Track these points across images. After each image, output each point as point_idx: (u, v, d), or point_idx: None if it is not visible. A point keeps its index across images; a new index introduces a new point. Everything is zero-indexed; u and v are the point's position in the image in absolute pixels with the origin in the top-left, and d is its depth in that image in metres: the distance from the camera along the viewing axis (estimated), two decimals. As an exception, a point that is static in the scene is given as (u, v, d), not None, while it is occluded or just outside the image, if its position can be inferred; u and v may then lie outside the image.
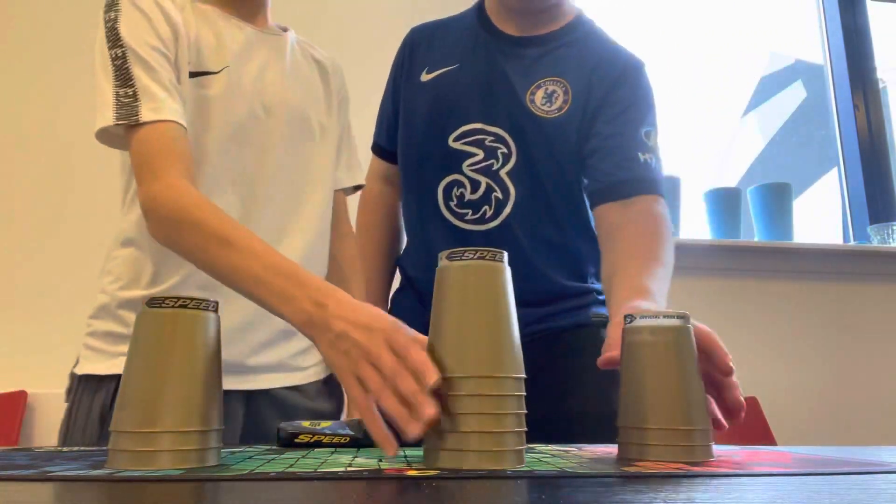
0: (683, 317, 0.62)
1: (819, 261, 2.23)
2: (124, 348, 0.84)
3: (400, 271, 1.25)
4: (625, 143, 1.06)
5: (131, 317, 0.89)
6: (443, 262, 0.57)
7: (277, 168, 0.96)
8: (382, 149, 1.25)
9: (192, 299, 0.56)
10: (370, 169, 1.27)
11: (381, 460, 0.58)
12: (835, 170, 2.59)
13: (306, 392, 0.99)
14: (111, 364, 0.89)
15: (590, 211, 1.12)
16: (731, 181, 2.86)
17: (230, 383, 0.89)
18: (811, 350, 2.18)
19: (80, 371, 0.92)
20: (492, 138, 1.11)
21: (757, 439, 1.92)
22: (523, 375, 0.55)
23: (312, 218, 1.00)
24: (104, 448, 0.76)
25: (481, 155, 1.11)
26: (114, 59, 0.85)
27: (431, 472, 0.50)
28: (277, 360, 0.95)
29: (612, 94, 1.10)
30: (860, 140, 2.51)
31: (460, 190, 1.11)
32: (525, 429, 0.55)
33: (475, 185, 1.11)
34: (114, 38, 0.86)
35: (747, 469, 0.53)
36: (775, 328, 2.18)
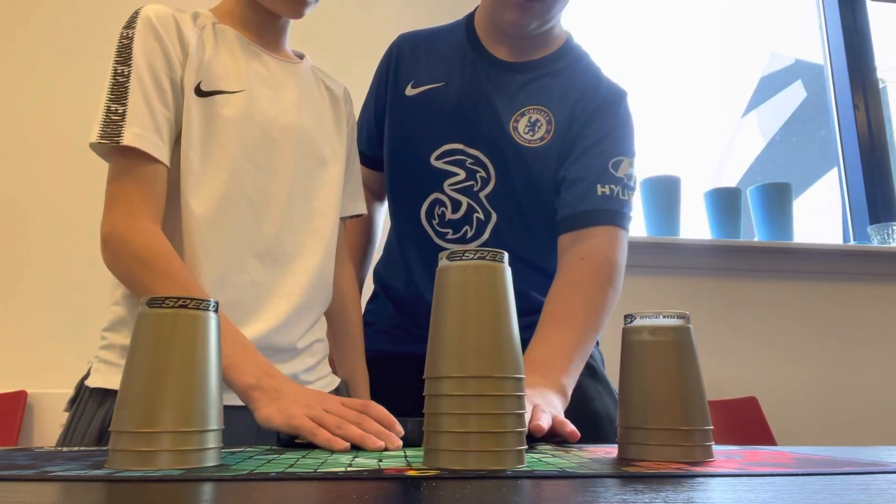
0: (684, 316, 0.62)
1: (819, 261, 2.23)
2: None
3: (375, 281, 1.27)
4: (587, 175, 1.08)
5: None
6: (443, 262, 0.57)
7: (290, 191, 0.97)
8: (363, 154, 1.25)
9: (192, 299, 0.56)
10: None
11: (381, 460, 0.59)
12: (835, 170, 2.59)
13: None
14: (115, 379, 0.88)
15: None
16: (731, 181, 2.86)
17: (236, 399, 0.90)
18: (811, 350, 2.18)
19: (91, 383, 0.90)
20: (471, 160, 1.12)
21: (757, 439, 1.92)
22: (523, 375, 0.55)
23: (323, 241, 1.01)
24: (104, 448, 0.77)
25: (462, 175, 1.12)
26: (119, 74, 0.87)
27: (431, 472, 0.50)
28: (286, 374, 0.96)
29: (589, 125, 1.11)
30: (860, 140, 2.51)
31: (441, 209, 1.13)
32: (525, 428, 0.55)
33: (456, 204, 1.12)
34: (125, 56, 0.88)
35: (747, 469, 0.54)
36: (775, 328, 2.18)
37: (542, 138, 1.11)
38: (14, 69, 1.92)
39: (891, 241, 2.28)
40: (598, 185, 1.07)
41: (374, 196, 1.29)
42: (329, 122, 1.06)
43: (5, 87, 1.91)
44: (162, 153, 0.87)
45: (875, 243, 2.30)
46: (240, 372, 0.77)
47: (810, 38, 2.75)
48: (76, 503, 0.40)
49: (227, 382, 0.75)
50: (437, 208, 1.13)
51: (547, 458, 0.60)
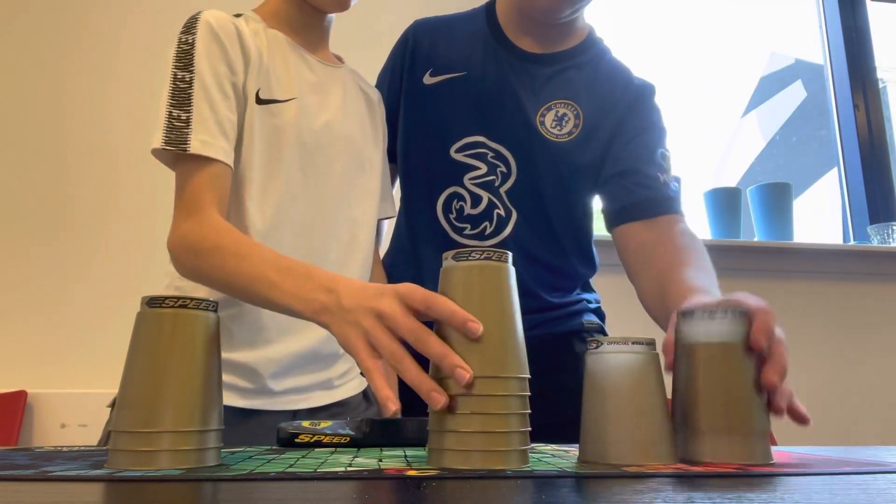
0: (651, 342, 0.61)
1: (819, 261, 2.23)
2: None
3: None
4: (644, 165, 1.06)
5: None
6: (448, 262, 0.57)
7: (339, 199, 0.97)
8: None
9: (192, 299, 0.56)
10: None
11: (381, 460, 0.58)
12: (835, 170, 2.59)
13: (347, 405, 1.00)
14: None
15: (604, 232, 1.10)
16: (731, 181, 2.86)
17: (278, 404, 0.91)
18: (811, 350, 2.18)
19: None
20: (493, 154, 1.09)
21: (757, 439, 1.92)
22: (528, 375, 0.55)
23: (363, 251, 1.01)
24: (104, 448, 0.76)
25: (484, 169, 1.09)
26: (180, 80, 0.86)
27: (431, 472, 0.50)
28: (319, 381, 0.96)
29: (627, 120, 1.09)
30: (860, 140, 2.51)
31: (460, 203, 1.10)
32: (529, 428, 0.55)
33: (476, 199, 1.09)
34: (186, 62, 0.86)
35: (747, 469, 0.53)
36: (775, 328, 2.17)
37: (570, 133, 1.08)
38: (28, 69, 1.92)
39: (891, 241, 2.28)
40: (660, 174, 1.05)
41: None
42: (367, 127, 1.06)
43: (5, 88, 1.91)
44: (229, 157, 0.86)
45: (875, 243, 2.30)
46: (299, 298, 0.68)
47: (810, 38, 2.76)
48: (76, 503, 0.40)
49: (287, 311, 0.69)
50: (455, 202, 1.10)
51: (547, 458, 0.60)
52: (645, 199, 1.04)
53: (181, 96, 0.85)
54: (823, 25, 2.67)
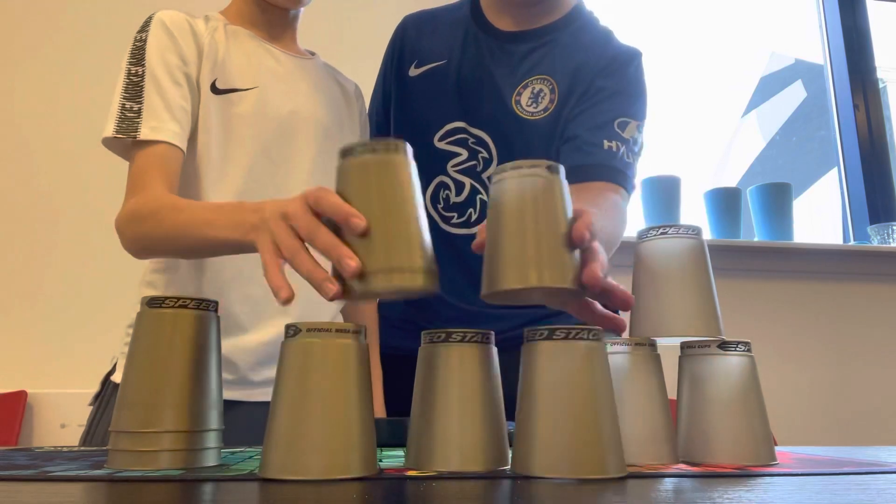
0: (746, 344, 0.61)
1: (819, 261, 2.23)
2: None
3: None
4: (590, 130, 0.99)
5: None
6: (339, 160, 0.56)
7: (314, 185, 0.97)
8: None
9: (192, 299, 0.56)
10: None
11: (380, 460, 0.58)
12: (835, 170, 2.59)
13: None
14: None
15: None
16: (731, 181, 2.86)
17: (244, 395, 0.92)
18: (811, 350, 2.18)
19: (116, 379, 0.92)
20: (474, 140, 1.08)
21: (757, 439, 1.92)
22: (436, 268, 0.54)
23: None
24: (104, 448, 0.76)
25: (465, 155, 1.08)
26: (133, 75, 0.90)
27: (431, 472, 0.50)
28: None
29: (593, 85, 1.03)
30: (860, 140, 2.51)
31: (446, 192, 1.09)
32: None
33: (459, 186, 1.08)
34: (138, 57, 0.90)
35: (747, 469, 0.53)
36: (775, 328, 2.18)
37: (545, 109, 1.05)
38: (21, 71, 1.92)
39: (891, 241, 2.28)
40: (605, 140, 0.98)
41: None
42: (344, 118, 1.07)
43: (6, 87, 1.91)
44: (178, 139, 0.88)
45: (875, 243, 2.30)
46: (232, 225, 0.69)
47: (810, 38, 2.76)
48: (76, 503, 0.40)
49: (225, 245, 0.70)
50: (441, 192, 1.09)
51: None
52: (579, 164, 0.96)
53: (133, 90, 0.89)
54: (823, 25, 2.67)
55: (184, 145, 0.89)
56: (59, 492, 0.44)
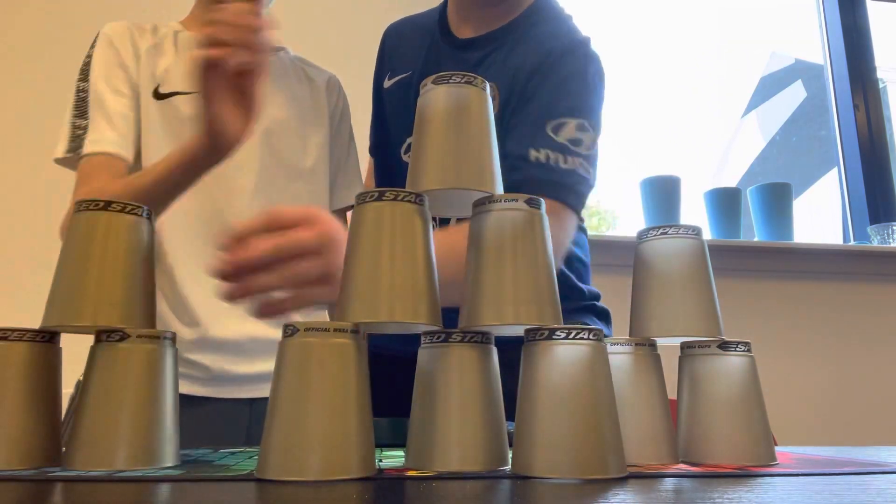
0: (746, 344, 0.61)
1: (819, 261, 2.23)
2: None
3: None
4: (518, 142, 0.90)
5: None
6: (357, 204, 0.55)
7: (257, 184, 0.98)
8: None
9: (148, 334, 0.55)
10: (367, 170, 1.24)
11: (381, 460, 0.58)
12: (835, 170, 2.59)
13: None
14: None
15: (600, 231, 1.07)
16: (731, 181, 2.86)
17: (233, 392, 0.92)
18: (811, 350, 2.18)
19: None
20: None
21: (757, 439, 1.92)
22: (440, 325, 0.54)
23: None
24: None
25: None
26: (81, 91, 0.94)
27: (431, 472, 0.50)
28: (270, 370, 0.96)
29: (528, 86, 0.94)
30: (860, 140, 2.51)
31: None
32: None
33: None
34: (85, 73, 0.95)
35: (747, 469, 0.54)
36: (775, 328, 2.18)
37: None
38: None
39: (891, 241, 2.28)
40: (531, 150, 0.88)
41: None
42: (308, 110, 1.06)
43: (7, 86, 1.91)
44: (119, 147, 0.91)
45: (875, 243, 2.30)
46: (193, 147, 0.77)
47: (810, 38, 2.76)
48: (76, 503, 0.40)
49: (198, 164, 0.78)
50: None
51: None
52: (513, 182, 0.87)
53: (81, 106, 0.93)
54: (823, 25, 2.67)
55: (126, 152, 0.92)
56: (59, 492, 0.44)
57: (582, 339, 0.50)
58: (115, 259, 0.55)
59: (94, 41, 0.97)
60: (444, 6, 1.13)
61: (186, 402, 0.88)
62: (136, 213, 0.57)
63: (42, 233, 1.83)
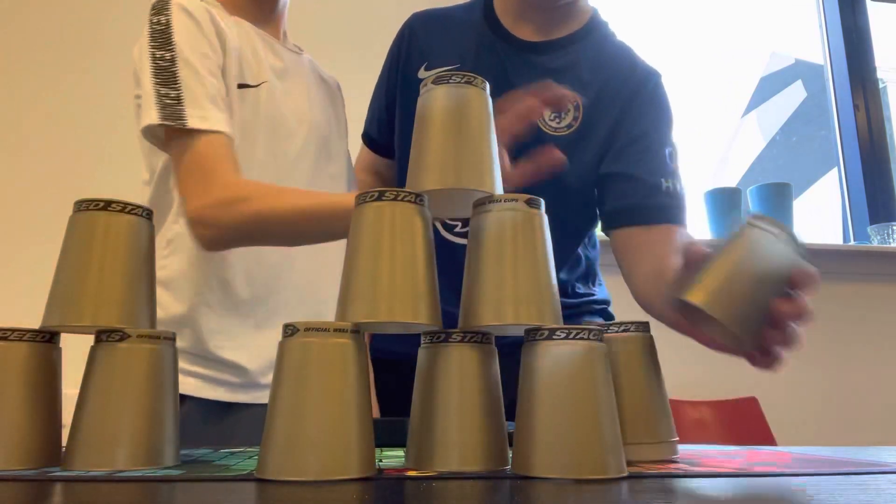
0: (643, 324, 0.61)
1: (819, 261, 2.21)
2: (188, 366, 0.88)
3: None
4: (646, 171, 1.00)
5: (183, 331, 0.89)
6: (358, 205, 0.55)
7: (306, 185, 0.97)
8: (372, 139, 1.19)
9: (151, 334, 0.55)
10: (358, 159, 1.21)
11: (381, 460, 0.58)
12: (835, 170, 2.59)
13: None
14: None
15: (597, 231, 1.07)
16: (731, 181, 2.86)
17: (258, 398, 0.92)
18: (811, 350, 2.17)
19: None
20: None
21: (757, 439, 1.92)
22: (440, 325, 0.54)
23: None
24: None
25: None
26: (160, 60, 0.83)
27: (431, 472, 0.50)
28: None
29: (629, 112, 1.03)
30: (860, 140, 2.51)
31: None
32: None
33: None
34: (163, 41, 0.84)
35: (747, 469, 0.53)
36: (775, 328, 2.17)
37: (569, 126, 1.03)
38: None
39: (891, 241, 2.28)
40: (663, 180, 0.99)
41: (385, 184, 1.21)
42: (332, 116, 1.06)
43: (8, 87, 1.91)
44: (228, 126, 0.84)
45: (875, 243, 2.30)
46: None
47: (810, 38, 2.75)
48: (75, 503, 0.40)
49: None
50: None
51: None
52: (642, 205, 0.99)
53: (165, 74, 0.83)
54: (823, 25, 2.67)
55: (232, 131, 0.84)
56: (59, 492, 0.44)
57: (582, 338, 0.50)
58: (114, 259, 0.55)
59: (163, 8, 0.87)
60: (485, 4, 1.12)
61: (222, 409, 0.88)
62: (136, 214, 0.57)
63: (41, 231, 1.83)
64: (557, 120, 1.03)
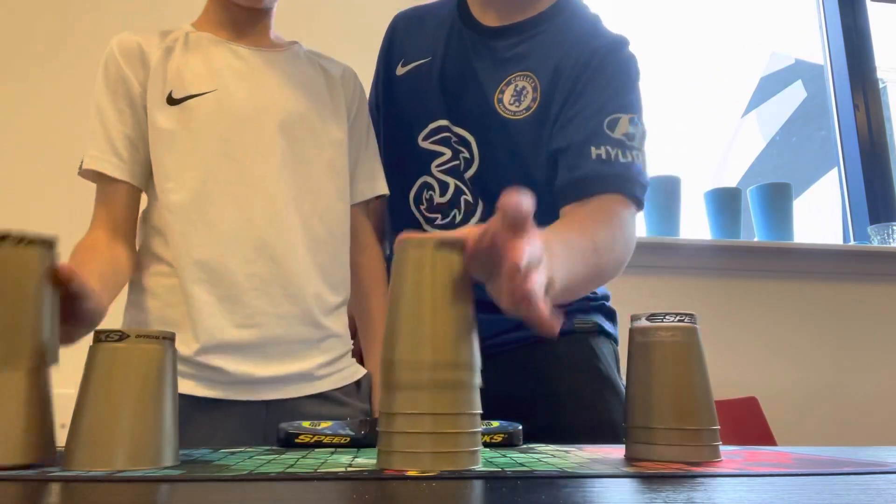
0: (691, 316, 0.62)
1: (819, 261, 2.23)
2: None
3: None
4: (578, 138, 0.93)
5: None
6: (398, 243, 0.56)
7: (279, 179, 0.96)
8: None
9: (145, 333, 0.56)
10: None
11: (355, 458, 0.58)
12: (835, 170, 2.59)
13: (332, 397, 0.98)
14: None
15: None
16: (731, 181, 2.86)
17: (249, 394, 0.91)
18: (811, 350, 2.18)
19: None
20: (456, 139, 1.05)
21: (757, 439, 1.92)
22: (478, 367, 0.54)
23: (334, 220, 1.01)
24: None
25: (448, 154, 1.05)
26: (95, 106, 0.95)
27: (432, 472, 0.50)
28: (297, 372, 0.95)
29: (578, 83, 0.97)
30: (860, 140, 2.51)
31: (430, 192, 1.06)
32: (479, 429, 0.54)
33: (443, 186, 1.05)
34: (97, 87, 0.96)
35: (747, 469, 0.53)
36: (775, 328, 2.18)
37: (528, 108, 1.00)
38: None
39: (891, 241, 2.28)
40: (592, 148, 0.92)
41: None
42: (326, 104, 1.05)
43: (9, 88, 1.91)
44: (119, 171, 0.92)
45: (875, 243, 2.30)
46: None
47: (810, 38, 2.75)
48: (76, 503, 0.40)
49: None
50: (424, 192, 1.07)
51: (547, 458, 0.60)
52: (571, 180, 0.92)
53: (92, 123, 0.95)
54: (823, 25, 2.67)
55: (128, 177, 0.93)
56: (60, 492, 0.44)
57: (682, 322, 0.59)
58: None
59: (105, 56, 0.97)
60: None
61: (204, 405, 0.88)
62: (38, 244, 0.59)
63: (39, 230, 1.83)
64: (517, 103, 1.02)
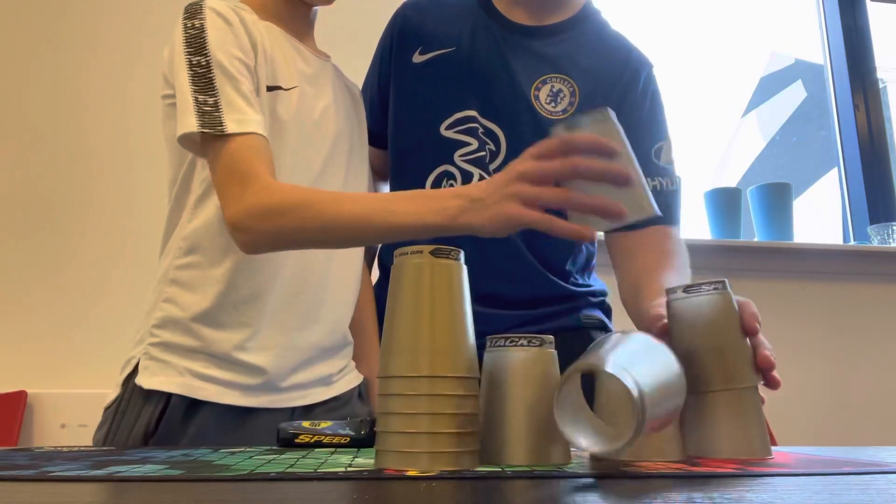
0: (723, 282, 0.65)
1: (819, 261, 2.23)
2: (192, 364, 0.87)
3: (379, 266, 1.20)
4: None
5: (205, 331, 0.88)
6: (397, 257, 0.56)
7: (342, 187, 0.98)
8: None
9: (443, 248, 0.56)
10: None
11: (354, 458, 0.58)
12: (835, 170, 2.59)
13: (342, 399, 0.99)
14: (170, 380, 0.87)
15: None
16: (731, 181, 2.86)
17: (277, 402, 0.91)
18: (811, 350, 2.18)
19: (143, 383, 0.88)
20: (483, 130, 1.06)
21: (757, 439, 1.91)
22: (477, 376, 0.55)
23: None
24: (104, 448, 0.77)
25: (475, 145, 1.05)
26: (196, 65, 0.85)
27: (432, 472, 0.50)
28: (317, 377, 0.95)
29: (625, 104, 1.04)
30: (860, 140, 2.51)
31: (451, 182, 1.06)
32: (476, 429, 0.55)
33: (467, 176, 1.05)
34: (197, 46, 0.86)
35: (747, 469, 0.53)
36: (775, 328, 2.17)
37: (564, 110, 1.04)
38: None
39: (891, 241, 2.28)
40: (649, 180, 0.99)
41: (377, 176, 1.21)
42: (355, 123, 1.06)
43: (10, 86, 1.91)
44: (263, 128, 0.85)
45: (875, 243, 2.30)
46: (431, 212, 0.71)
47: (810, 38, 2.76)
48: (76, 503, 0.40)
49: (416, 230, 0.72)
50: (444, 181, 1.06)
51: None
52: None
53: (201, 81, 0.84)
54: (823, 25, 2.67)
55: (268, 134, 0.86)
56: (59, 492, 0.44)
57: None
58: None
59: (196, 13, 0.88)
60: None
61: (235, 414, 0.87)
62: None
63: (39, 230, 1.84)
64: (553, 103, 1.04)
